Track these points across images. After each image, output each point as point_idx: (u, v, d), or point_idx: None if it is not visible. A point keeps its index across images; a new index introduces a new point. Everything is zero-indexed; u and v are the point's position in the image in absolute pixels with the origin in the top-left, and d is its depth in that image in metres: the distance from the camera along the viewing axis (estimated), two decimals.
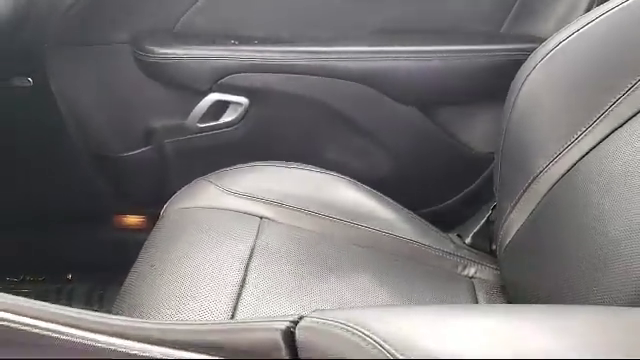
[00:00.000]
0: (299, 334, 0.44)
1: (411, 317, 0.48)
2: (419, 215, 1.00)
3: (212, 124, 1.16)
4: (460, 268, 0.94)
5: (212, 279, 0.81)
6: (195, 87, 1.13)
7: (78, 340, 0.44)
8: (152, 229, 0.95)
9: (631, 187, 0.67)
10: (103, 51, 1.15)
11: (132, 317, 0.76)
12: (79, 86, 1.17)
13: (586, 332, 0.45)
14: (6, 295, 0.47)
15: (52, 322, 0.45)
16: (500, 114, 0.88)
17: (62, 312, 0.46)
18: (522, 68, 0.85)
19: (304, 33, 1.13)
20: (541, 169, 0.78)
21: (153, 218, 1.00)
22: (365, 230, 0.94)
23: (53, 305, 0.48)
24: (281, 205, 0.94)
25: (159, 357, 0.44)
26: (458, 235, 1.01)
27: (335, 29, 1.14)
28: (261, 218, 0.92)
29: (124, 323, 0.47)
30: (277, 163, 1.02)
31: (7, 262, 1.22)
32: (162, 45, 1.11)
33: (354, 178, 1.01)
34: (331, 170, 1.01)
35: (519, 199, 0.81)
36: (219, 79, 1.11)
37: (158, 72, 1.13)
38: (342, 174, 1.01)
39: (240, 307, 0.78)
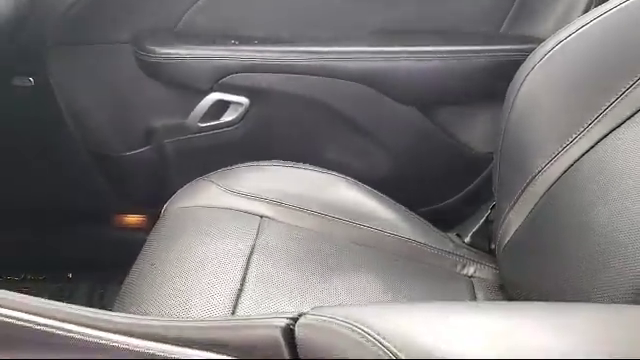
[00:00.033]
0: (298, 331, 0.44)
1: (410, 314, 0.48)
2: (419, 214, 1.01)
3: (213, 124, 1.16)
4: (459, 267, 0.94)
5: (212, 277, 0.81)
6: (196, 87, 1.13)
7: (80, 337, 0.45)
8: (152, 228, 0.95)
9: (629, 187, 0.67)
10: (104, 51, 1.15)
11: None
12: (80, 86, 1.17)
13: (587, 330, 0.45)
14: (6, 292, 0.48)
15: (54, 319, 0.45)
16: (499, 114, 0.88)
17: (65, 309, 0.47)
18: (521, 68, 0.85)
19: (304, 33, 1.14)
20: (540, 169, 0.79)
21: (153, 217, 1.00)
22: (365, 229, 0.94)
23: (54, 302, 0.48)
24: (281, 204, 0.95)
25: (161, 355, 0.44)
26: (457, 234, 1.01)
27: (335, 29, 1.14)
28: (261, 217, 0.93)
29: (127, 320, 0.47)
30: (277, 163, 1.02)
31: (8, 261, 1.22)
32: (163, 45, 1.11)
33: (354, 178, 1.01)
34: (331, 170, 1.01)
35: (518, 199, 0.82)
36: (220, 79, 1.12)
37: (159, 72, 1.13)
38: (342, 174, 1.01)
39: (240, 305, 0.78)
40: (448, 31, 1.15)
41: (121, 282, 0.87)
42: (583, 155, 0.75)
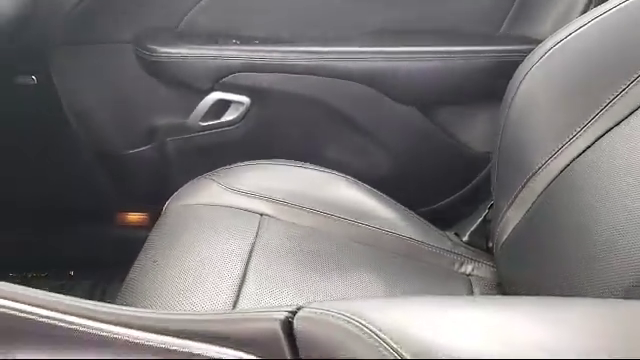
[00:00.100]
0: (297, 324, 0.44)
1: (408, 308, 0.48)
2: (418, 213, 1.01)
3: (214, 123, 1.16)
4: (457, 265, 0.95)
5: (213, 274, 0.82)
6: (197, 86, 1.14)
7: (82, 329, 0.45)
8: (154, 226, 0.96)
9: (629, 186, 0.67)
10: (106, 50, 1.15)
11: None
12: (82, 85, 1.17)
13: (584, 324, 0.45)
14: (8, 284, 0.48)
15: (56, 311, 0.46)
16: (498, 114, 0.88)
17: (67, 301, 0.47)
18: (520, 68, 0.85)
19: (305, 33, 1.14)
20: (537, 167, 0.79)
21: (155, 215, 1.00)
22: (364, 228, 0.95)
23: (55, 294, 0.48)
24: (281, 203, 0.95)
25: (162, 347, 0.45)
26: (456, 233, 1.01)
27: (335, 29, 1.14)
28: (262, 215, 0.93)
29: (128, 313, 0.47)
30: (278, 161, 1.03)
31: (10, 259, 1.22)
32: (164, 44, 1.12)
33: (354, 177, 1.01)
34: (331, 169, 1.02)
35: (515, 197, 0.82)
36: (221, 78, 1.12)
37: (160, 71, 1.14)
38: (342, 173, 1.01)
39: (240, 302, 0.79)
40: (448, 31, 1.15)
41: (122, 280, 0.88)
42: (581, 154, 0.75)
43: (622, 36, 0.77)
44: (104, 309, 0.47)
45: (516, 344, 0.42)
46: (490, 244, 0.95)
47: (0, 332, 0.46)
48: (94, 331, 0.45)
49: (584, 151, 0.75)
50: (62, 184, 1.25)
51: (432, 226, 1.00)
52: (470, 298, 0.82)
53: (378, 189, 1.01)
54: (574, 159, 0.75)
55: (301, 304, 0.46)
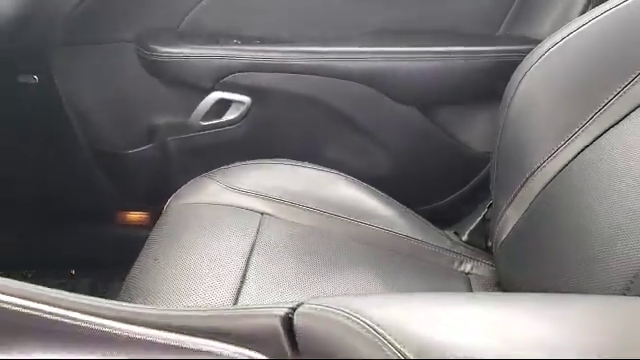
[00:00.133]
0: (297, 320, 0.45)
1: (407, 304, 0.48)
2: (417, 213, 1.01)
3: (214, 122, 1.17)
4: (456, 264, 0.95)
5: (213, 273, 0.82)
6: (198, 86, 1.14)
7: (85, 325, 0.45)
8: (155, 225, 0.96)
9: (625, 186, 0.67)
10: (107, 50, 1.16)
11: None
12: (83, 84, 1.18)
13: (582, 320, 0.45)
14: (11, 280, 0.48)
15: (59, 307, 0.46)
16: (497, 114, 0.89)
17: (69, 298, 0.48)
18: (519, 67, 0.85)
19: (305, 33, 1.14)
20: (536, 167, 0.79)
21: (156, 215, 1.01)
22: (364, 227, 0.95)
23: (58, 290, 0.49)
24: (282, 202, 0.96)
25: (162, 342, 0.45)
26: (455, 232, 1.02)
27: (335, 29, 1.15)
28: (262, 214, 0.93)
29: (129, 309, 0.48)
30: (278, 161, 1.03)
31: (11, 258, 1.23)
32: (166, 44, 1.12)
33: (354, 176, 1.02)
34: (331, 168, 1.02)
35: (514, 196, 0.82)
36: (222, 78, 1.13)
37: (162, 71, 1.14)
38: (342, 172, 1.02)
39: (241, 300, 0.79)
40: (448, 31, 1.16)
41: (123, 279, 0.88)
42: (580, 153, 0.75)
43: (622, 35, 0.77)
44: (107, 305, 0.47)
45: (515, 340, 0.42)
46: (489, 243, 0.95)
47: (4, 328, 0.46)
48: (97, 327, 0.45)
49: (582, 151, 0.75)
50: (63, 183, 1.25)
51: (431, 225, 1.00)
52: (469, 294, 0.83)
53: (378, 188, 1.01)
54: (573, 159, 0.76)
55: (301, 301, 0.46)
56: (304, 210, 0.95)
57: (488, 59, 1.11)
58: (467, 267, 0.95)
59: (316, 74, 1.12)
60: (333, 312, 0.44)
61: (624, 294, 0.62)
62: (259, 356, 0.45)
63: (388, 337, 0.41)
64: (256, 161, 1.03)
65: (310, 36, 1.14)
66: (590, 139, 0.74)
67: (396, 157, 1.20)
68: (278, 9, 1.16)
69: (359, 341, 0.42)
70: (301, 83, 1.13)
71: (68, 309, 0.46)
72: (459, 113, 1.18)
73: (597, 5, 0.82)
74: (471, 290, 0.91)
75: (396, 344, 0.40)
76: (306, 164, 1.02)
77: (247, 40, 1.14)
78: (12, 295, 0.46)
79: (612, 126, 0.73)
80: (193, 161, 1.17)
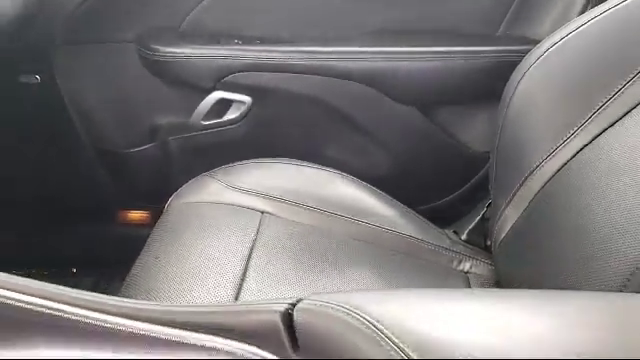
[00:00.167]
0: (297, 316, 0.45)
1: (406, 301, 0.48)
2: (417, 212, 1.02)
3: (215, 122, 1.17)
4: (455, 263, 0.96)
5: (214, 271, 0.83)
6: (199, 85, 1.15)
7: (89, 321, 0.46)
8: (156, 224, 0.96)
9: (623, 185, 0.67)
10: (109, 49, 1.16)
11: None
12: (85, 84, 1.18)
13: (581, 316, 0.45)
14: (13, 276, 0.49)
15: (63, 303, 0.47)
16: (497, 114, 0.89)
17: (72, 294, 0.48)
18: (518, 67, 0.86)
19: (305, 33, 1.15)
20: (535, 166, 0.79)
21: (157, 213, 1.01)
22: (364, 225, 0.96)
23: (61, 287, 0.49)
24: (282, 200, 0.96)
25: (164, 338, 0.45)
26: (454, 231, 1.02)
27: (335, 29, 1.15)
28: (262, 213, 0.94)
29: (132, 305, 0.48)
30: (279, 160, 1.03)
31: (12, 257, 1.23)
32: (167, 44, 1.12)
33: (354, 176, 1.02)
34: (332, 167, 1.03)
35: (513, 196, 0.83)
36: (222, 78, 1.13)
37: (163, 70, 1.15)
38: (342, 171, 1.02)
39: (241, 298, 0.80)
40: (448, 31, 1.16)
41: (124, 277, 0.88)
42: (578, 152, 0.75)
43: (621, 35, 0.77)
44: (110, 301, 0.48)
45: (513, 336, 0.42)
46: (488, 242, 0.95)
47: (7, 323, 0.47)
48: (100, 322, 0.45)
49: (581, 150, 0.75)
50: (65, 182, 1.25)
51: (431, 224, 1.00)
52: (468, 291, 0.83)
53: (378, 188, 1.02)
54: (571, 158, 0.76)
55: (301, 297, 0.47)
56: (304, 209, 0.96)
57: (488, 59, 1.11)
58: (466, 266, 0.95)
59: (316, 74, 1.12)
60: (333, 308, 0.44)
61: (620, 291, 0.62)
62: (260, 352, 0.45)
63: (387, 333, 0.41)
64: (257, 160, 1.04)
65: (310, 36, 1.14)
66: (589, 138, 0.75)
67: (396, 157, 1.20)
68: (278, 9, 1.16)
69: (359, 337, 0.42)
70: (301, 83, 1.13)
71: (71, 305, 0.46)
72: (459, 113, 1.19)
73: (596, 5, 0.82)
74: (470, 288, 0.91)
75: (395, 340, 0.41)
76: (306, 163, 1.03)
77: (248, 40, 1.15)
78: (15, 291, 0.47)
79: (611, 125, 0.73)
80: (194, 160, 1.18)
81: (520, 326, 0.43)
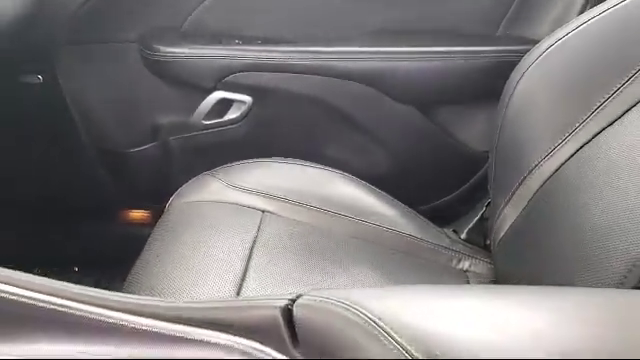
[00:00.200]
0: (297, 311, 0.45)
1: (405, 296, 0.48)
2: (417, 211, 1.02)
3: (216, 121, 1.17)
4: (455, 262, 0.96)
5: (215, 270, 0.83)
6: (200, 85, 1.15)
7: (92, 316, 0.46)
8: (157, 223, 0.97)
9: (622, 184, 0.67)
10: (111, 50, 1.17)
11: None
12: (87, 83, 1.18)
13: (579, 312, 0.45)
14: (17, 272, 0.49)
15: (66, 299, 0.47)
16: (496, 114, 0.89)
17: (74, 289, 0.48)
18: (517, 68, 0.86)
19: (305, 33, 1.15)
20: (534, 165, 0.80)
21: (158, 213, 1.02)
22: (364, 224, 0.96)
23: (63, 282, 0.49)
24: (283, 200, 0.96)
25: (170, 334, 0.45)
26: (454, 230, 1.03)
27: (335, 29, 1.15)
28: (263, 212, 0.94)
29: (136, 301, 0.48)
30: (279, 159, 1.04)
31: (15, 254, 1.23)
32: (169, 44, 1.13)
33: (354, 175, 1.03)
34: (332, 167, 1.03)
35: (512, 195, 0.83)
36: (223, 78, 1.13)
37: (164, 70, 1.15)
38: (342, 171, 1.02)
39: (242, 295, 0.80)
40: (448, 31, 1.16)
41: (125, 277, 0.89)
42: (577, 151, 0.75)
43: (620, 35, 0.77)
44: (113, 297, 0.48)
45: (511, 332, 0.42)
46: (487, 241, 0.96)
47: (10, 319, 0.47)
48: (102, 318, 0.46)
49: (580, 148, 0.75)
50: (66, 181, 1.26)
51: (431, 223, 1.01)
52: (466, 287, 0.83)
53: (378, 187, 1.02)
54: (570, 157, 0.76)
55: (301, 292, 0.47)
56: (305, 208, 0.96)
57: (488, 59, 1.12)
58: (465, 265, 0.96)
59: (317, 74, 1.13)
60: (332, 304, 0.44)
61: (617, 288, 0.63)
62: (262, 347, 0.45)
63: (387, 329, 0.41)
64: (257, 160, 1.04)
65: (311, 36, 1.15)
66: (588, 137, 0.75)
67: (396, 156, 1.20)
68: (279, 9, 1.17)
69: (358, 333, 0.42)
70: (302, 83, 1.14)
71: (74, 300, 0.47)
72: (458, 113, 1.19)
73: (595, 5, 0.82)
74: None
75: (395, 336, 0.41)
76: (307, 163, 1.03)
77: (248, 40, 1.15)
78: (18, 286, 0.47)
79: (609, 124, 0.73)
80: (195, 160, 1.18)
81: (518, 321, 0.43)
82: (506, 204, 0.84)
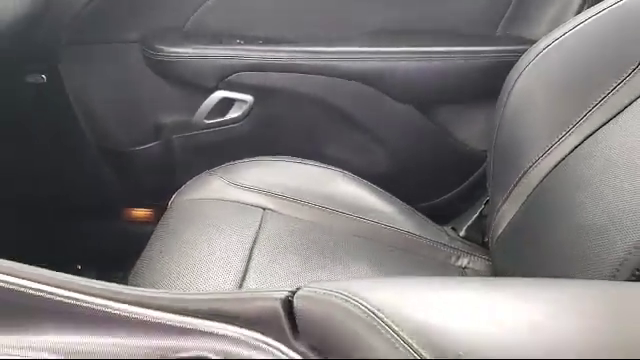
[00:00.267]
0: (297, 303, 0.45)
1: (404, 288, 0.48)
2: (416, 209, 1.03)
3: (218, 120, 1.18)
4: (453, 259, 0.97)
5: (216, 267, 0.84)
6: (202, 85, 1.16)
7: (99, 308, 0.46)
8: (159, 221, 0.97)
9: (620, 182, 0.67)
10: (114, 50, 1.17)
11: None
12: (91, 83, 1.19)
13: (575, 304, 0.45)
14: (23, 265, 0.49)
15: (73, 291, 0.48)
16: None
17: (80, 282, 0.49)
18: (515, 67, 0.87)
19: (306, 33, 1.16)
20: (532, 163, 0.80)
21: (160, 211, 1.02)
22: (363, 222, 0.97)
23: (68, 275, 0.50)
24: (283, 198, 0.97)
25: (180, 326, 0.46)
26: (453, 228, 1.03)
27: (336, 29, 1.16)
28: (264, 209, 0.95)
29: (142, 293, 0.49)
30: (280, 158, 1.05)
31: (18, 252, 1.23)
32: (171, 44, 1.14)
33: (354, 173, 1.03)
34: (332, 165, 1.04)
35: (511, 192, 0.83)
36: (225, 77, 1.14)
37: (167, 70, 1.16)
38: (343, 169, 1.03)
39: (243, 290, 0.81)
40: (448, 31, 1.17)
41: (127, 274, 0.90)
42: (575, 148, 0.75)
43: (618, 34, 0.77)
44: (120, 289, 0.48)
45: (509, 324, 0.42)
46: (486, 238, 0.96)
47: (19, 310, 0.47)
48: (110, 310, 0.46)
49: (578, 145, 0.75)
50: (70, 180, 1.26)
51: (430, 221, 1.01)
52: (463, 279, 0.83)
53: (378, 185, 1.03)
54: (568, 154, 0.76)
55: (301, 285, 0.47)
56: (305, 206, 0.97)
57: (488, 59, 1.12)
58: (464, 262, 0.97)
59: (317, 73, 1.13)
60: (332, 295, 0.44)
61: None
62: (264, 338, 0.45)
63: (387, 321, 0.41)
64: (259, 158, 1.05)
65: (311, 36, 1.15)
66: (585, 135, 0.75)
67: (396, 155, 1.21)
68: (280, 10, 1.17)
69: (358, 324, 0.42)
70: (302, 82, 1.14)
71: (81, 292, 0.47)
72: (458, 112, 1.19)
73: (592, 5, 0.83)
74: None
75: (395, 328, 0.41)
76: (307, 161, 1.04)
77: (250, 40, 1.16)
78: (26, 278, 0.47)
79: (607, 122, 0.74)
80: (197, 158, 1.18)
81: (514, 313, 0.44)
82: (504, 202, 0.85)
